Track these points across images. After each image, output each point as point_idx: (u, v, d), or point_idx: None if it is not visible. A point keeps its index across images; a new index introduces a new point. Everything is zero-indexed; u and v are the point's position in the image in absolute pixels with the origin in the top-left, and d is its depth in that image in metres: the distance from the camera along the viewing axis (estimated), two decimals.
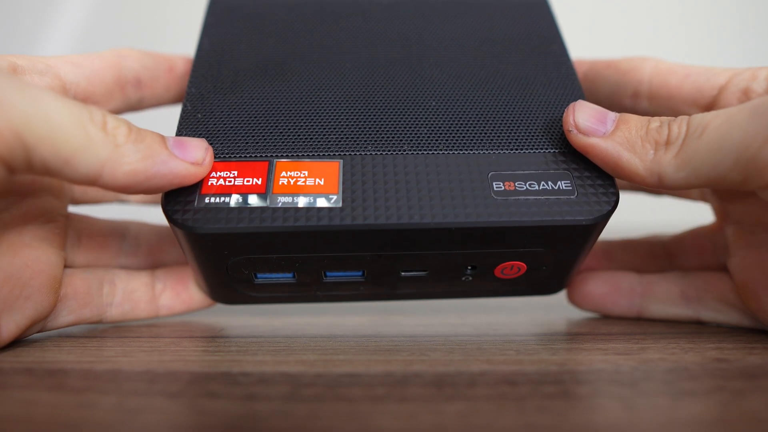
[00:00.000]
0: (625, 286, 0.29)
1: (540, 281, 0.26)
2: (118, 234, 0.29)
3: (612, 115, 0.24)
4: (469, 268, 0.25)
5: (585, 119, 0.24)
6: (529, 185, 0.24)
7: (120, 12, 0.60)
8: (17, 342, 0.25)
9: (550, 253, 0.24)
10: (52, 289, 0.25)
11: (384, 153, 0.25)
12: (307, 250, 0.24)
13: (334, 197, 0.23)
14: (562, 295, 0.35)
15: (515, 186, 0.24)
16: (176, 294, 0.28)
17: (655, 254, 0.30)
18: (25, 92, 0.19)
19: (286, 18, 0.31)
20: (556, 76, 0.28)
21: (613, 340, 0.27)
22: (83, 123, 0.20)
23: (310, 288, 0.26)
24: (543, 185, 0.24)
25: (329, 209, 0.23)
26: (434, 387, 0.21)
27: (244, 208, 0.23)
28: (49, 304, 0.24)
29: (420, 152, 0.25)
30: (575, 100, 0.26)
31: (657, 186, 0.23)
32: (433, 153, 0.25)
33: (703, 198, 0.30)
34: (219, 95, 0.27)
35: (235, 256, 0.24)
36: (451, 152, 0.25)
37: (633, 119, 0.24)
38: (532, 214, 0.23)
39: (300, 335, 0.28)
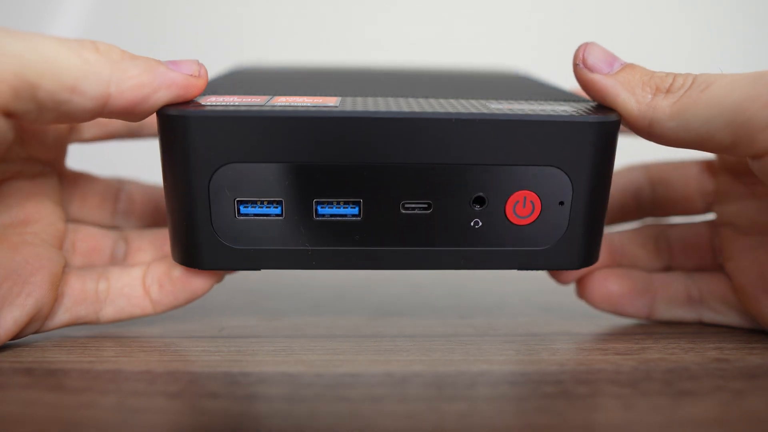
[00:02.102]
0: (641, 287, 0.29)
1: (561, 241, 0.25)
2: (111, 242, 0.29)
3: (621, 61, 0.24)
4: (477, 205, 0.24)
5: (594, 57, 0.24)
6: (529, 105, 0.24)
7: (120, 13, 0.60)
8: (17, 342, 0.25)
9: (562, 177, 0.24)
10: (52, 285, 0.25)
11: (383, 96, 0.25)
12: (300, 153, 0.23)
13: (332, 103, 0.23)
14: (561, 296, 0.35)
15: (515, 107, 0.24)
16: (161, 286, 0.27)
17: (660, 249, 0.30)
18: (16, 37, 0.21)
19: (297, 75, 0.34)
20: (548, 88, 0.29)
21: (613, 340, 0.27)
22: (76, 50, 0.21)
23: (299, 232, 0.24)
24: (542, 107, 0.24)
25: (325, 106, 0.23)
26: (434, 387, 0.21)
27: (238, 106, 0.23)
28: (49, 301, 0.24)
29: (419, 98, 0.25)
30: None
31: (646, 131, 0.23)
32: (430, 99, 0.25)
33: (707, 209, 0.30)
34: (221, 87, 0.27)
35: (222, 160, 0.23)
36: (449, 99, 0.25)
37: (640, 67, 0.24)
38: (534, 113, 0.23)
39: (300, 335, 0.28)
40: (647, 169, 0.31)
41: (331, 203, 0.24)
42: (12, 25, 0.21)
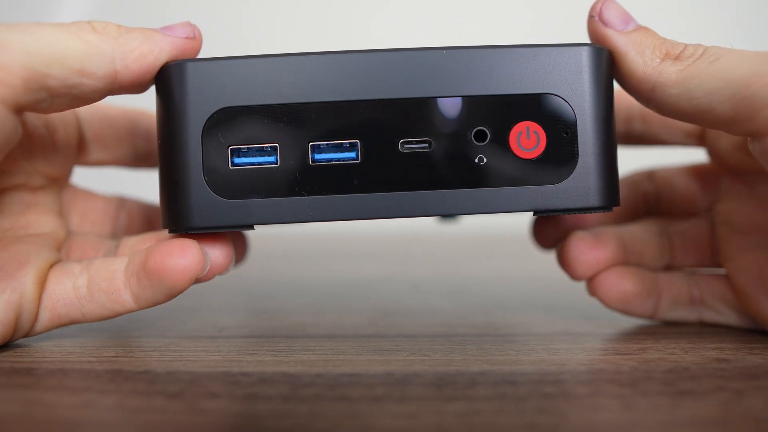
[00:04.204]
0: (650, 287, 0.29)
1: (574, 176, 0.24)
2: (105, 249, 0.29)
3: (636, 22, 0.25)
4: (479, 140, 0.23)
5: (610, 12, 0.25)
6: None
7: (120, 15, 0.60)
8: (17, 343, 0.25)
9: (562, 105, 0.24)
10: (38, 280, 0.24)
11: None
12: (293, 92, 0.23)
13: None
14: (561, 296, 0.35)
15: None
16: (138, 280, 0.25)
17: (663, 247, 0.30)
18: (17, 29, 0.21)
19: None
20: None
21: (613, 340, 0.27)
22: (76, 34, 0.22)
23: (295, 180, 0.23)
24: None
25: None
26: (434, 387, 0.21)
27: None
28: (34, 298, 0.24)
29: None
30: None
31: (647, 96, 0.24)
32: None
33: (709, 207, 0.30)
34: None
35: (216, 105, 0.23)
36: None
37: (653, 31, 0.24)
38: (528, 45, 0.23)
39: (300, 335, 0.28)
40: (652, 173, 0.31)
41: (328, 147, 0.23)
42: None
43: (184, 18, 0.25)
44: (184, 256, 0.23)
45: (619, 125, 0.29)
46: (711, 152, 0.29)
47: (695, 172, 0.30)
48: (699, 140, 0.29)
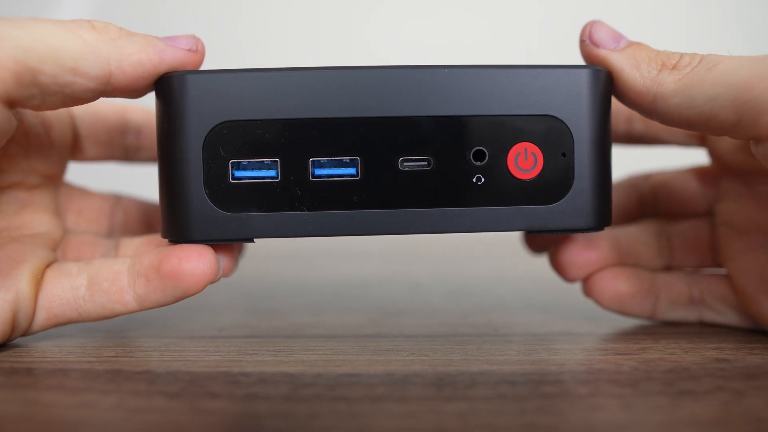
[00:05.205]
0: (647, 287, 0.29)
1: (570, 197, 0.24)
2: (103, 249, 0.29)
3: (627, 39, 0.25)
4: (478, 161, 0.24)
5: (600, 33, 0.25)
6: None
7: (120, 17, 0.60)
8: (17, 342, 0.25)
9: (561, 127, 0.24)
10: (33, 279, 0.24)
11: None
12: (295, 107, 0.23)
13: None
14: (561, 296, 0.35)
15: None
16: (147, 281, 0.24)
17: (662, 248, 0.30)
18: (13, 23, 0.21)
19: None
20: None
21: (613, 340, 0.27)
22: (74, 31, 0.21)
23: (295, 194, 0.23)
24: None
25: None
26: (434, 387, 0.21)
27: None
28: (30, 296, 0.24)
29: None
30: None
31: (649, 108, 0.24)
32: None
33: (708, 210, 0.30)
34: None
35: (217, 118, 0.23)
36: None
37: (646, 45, 0.24)
38: (528, 64, 0.24)
39: (300, 335, 0.28)
40: (648, 176, 0.31)
41: (328, 163, 0.24)
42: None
43: (183, 26, 0.25)
44: (202, 261, 0.24)
45: (620, 125, 0.29)
46: (712, 153, 0.29)
47: (695, 172, 0.30)
48: (700, 140, 0.29)
